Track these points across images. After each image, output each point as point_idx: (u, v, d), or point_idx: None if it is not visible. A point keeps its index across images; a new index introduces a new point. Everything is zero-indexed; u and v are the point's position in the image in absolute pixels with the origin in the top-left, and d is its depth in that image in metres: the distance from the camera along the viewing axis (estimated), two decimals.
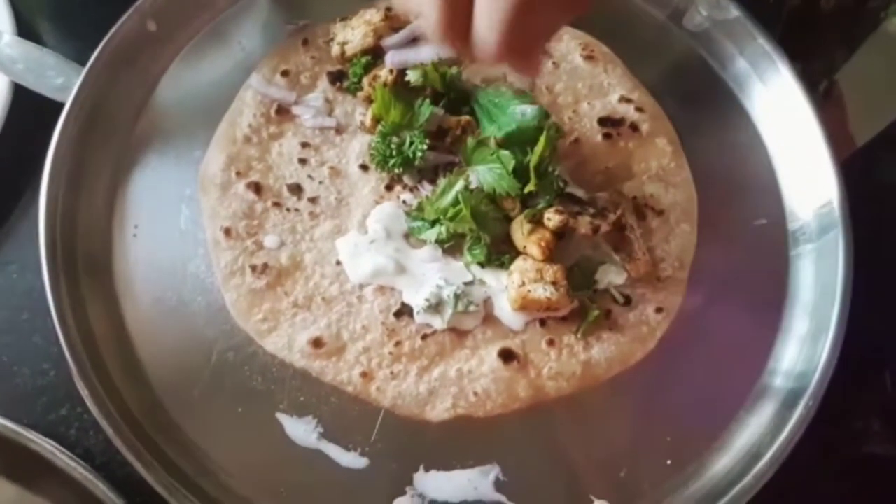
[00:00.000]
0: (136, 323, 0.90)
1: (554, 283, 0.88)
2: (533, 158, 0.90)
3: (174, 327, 0.89)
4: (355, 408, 0.87)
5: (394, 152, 0.95)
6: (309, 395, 0.87)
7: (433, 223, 0.93)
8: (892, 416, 0.96)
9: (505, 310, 0.91)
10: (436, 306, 0.90)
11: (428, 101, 0.96)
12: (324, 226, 0.95)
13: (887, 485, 0.94)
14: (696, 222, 0.99)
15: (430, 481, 0.84)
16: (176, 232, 0.94)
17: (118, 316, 0.90)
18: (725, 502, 0.82)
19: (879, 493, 0.94)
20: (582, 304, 0.91)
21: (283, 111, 1.01)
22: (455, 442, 0.86)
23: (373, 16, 1.03)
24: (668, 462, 0.87)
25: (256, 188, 0.96)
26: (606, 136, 1.02)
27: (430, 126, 0.96)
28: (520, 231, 0.91)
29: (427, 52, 1.00)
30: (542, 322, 0.91)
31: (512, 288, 0.89)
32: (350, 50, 1.03)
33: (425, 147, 0.94)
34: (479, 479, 0.84)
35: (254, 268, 0.91)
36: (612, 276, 0.94)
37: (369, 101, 1.00)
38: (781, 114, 1.04)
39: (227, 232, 0.93)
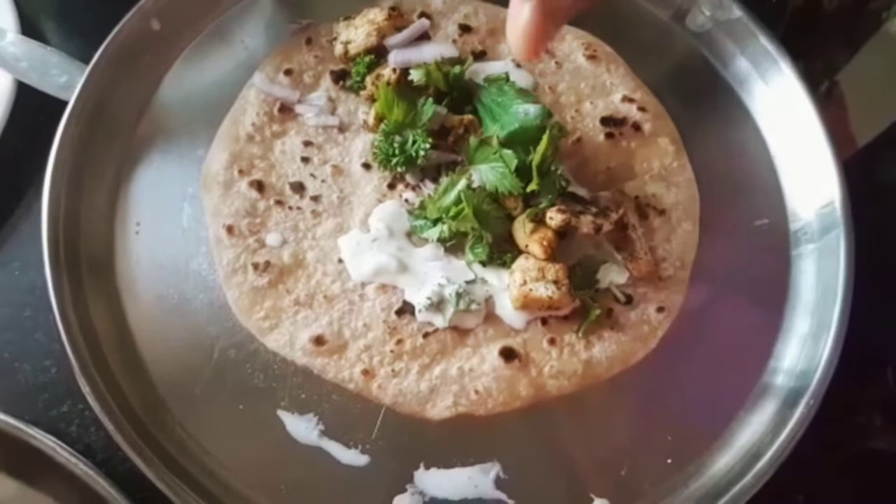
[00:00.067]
0: (138, 320, 0.90)
1: (555, 282, 0.88)
2: (535, 157, 0.90)
3: (176, 324, 0.90)
4: (356, 405, 0.87)
5: (396, 151, 0.95)
6: (310, 392, 0.87)
7: (435, 222, 0.93)
8: (894, 411, 0.96)
9: (506, 308, 0.91)
10: (437, 305, 0.90)
11: (431, 100, 0.96)
12: (326, 224, 0.95)
13: (890, 481, 0.94)
14: (698, 222, 0.99)
15: (430, 479, 0.84)
16: (178, 230, 0.94)
17: (120, 313, 0.90)
18: (726, 501, 0.82)
19: (882, 489, 0.93)
20: (583, 304, 0.92)
21: (286, 110, 1.01)
22: (456, 440, 0.86)
23: (376, 15, 1.03)
24: (669, 461, 0.87)
25: (259, 186, 0.96)
26: (609, 135, 1.02)
27: (432, 125, 0.96)
28: (522, 230, 0.91)
29: (430, 52, 1.01)
30: (544, 321, 0.91)
31: (513, 287, 0.89)
32: (353, 49, 1.03)
33: (428, 146, 0.94)
34: (479, 477, 0.84)
35: (256, 266, 0.92)
36: (613, 276, 0.94)
37: (372, 99, 1.00)
38: (783, 114, 1.04)
39: (230, 230, 0.93)
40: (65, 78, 0.99)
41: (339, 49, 1.04)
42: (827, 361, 0.87)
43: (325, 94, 1.03)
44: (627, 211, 0.96)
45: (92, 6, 1.14)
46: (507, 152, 0.91)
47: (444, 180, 0.94)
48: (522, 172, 0.90)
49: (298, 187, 0.97)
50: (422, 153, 0.94)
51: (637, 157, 1.02)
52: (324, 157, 0.99)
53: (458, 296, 0.90)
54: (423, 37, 1.05)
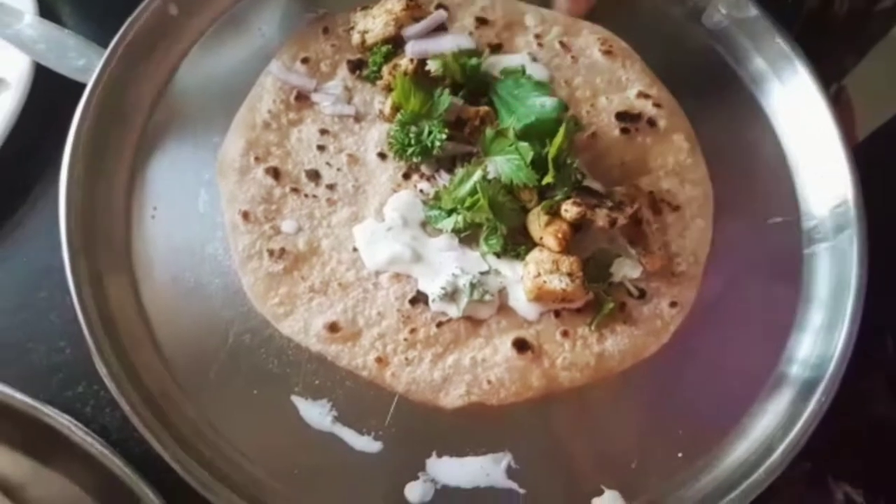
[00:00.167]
0: (154, 303, 0.90)
1: (569, 275, 0.88)
2: (551, 150, 0.91)
3: (191, 308, 0.90)
4: (370, 392, 0.88)
5: (412, 141, 0.95)
6: (324, 378, 0.88)
7: (450, 212, 0.93)
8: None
9: (520, 300, 0.91)
10: (451, 295, 0.90)
11: (447, 90, 0.97)
12: (341, 212, 0.96)
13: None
14: (712, 218, 1.00)
15: (442, 467, 0.85)
16: (194, 215, 0.95)
17: (136, 295, 0.90)
18: (737, 495, 0.83)
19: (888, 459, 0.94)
20: (597, 297, 0.92)
21: (303, 98, 1.01)
22: (468, 429, 0.87)
23: (394, 5, 1.04)
24: (680, 454, 0.87)
25: (275, 173, 0.96)
26: (624, 130, 1.02)
27: (448, 116, 0.96)
28: (536, 222, 0.91)
29: (447, 43, 1.02)
30: (557, 313, 0.92)
31: (527, 278, 0.90)
32: (370, 39, 1.03)
33: (444, 137, 0.94)
34: (491, 466, 0.85)
35: (271, 252, 0.92)
36: (627, 270, 0.94)
37: (389, 89, 1.00)
38: (798, 112, 1.04)
39: (245, 216, 0.94)
40: (83, 61, 0.99)
41: (356, 38, 1.05)
42: (841, 353, 0.88)
43: (342, 83, 1.03)
44: (642, 206, 0.96)
45: None
46: (523, 144, 0.91)
47: (460, 171, 0.94)
48: (538, 165, 0.91)
49: (314, 175, 0.97)
50: (437, 144, 0.94)
51: (652, 152, 1.02)
52: (339, 146, 0.99)
53: (472, 286, 0.90)
54: (441, 28, 1.05)
